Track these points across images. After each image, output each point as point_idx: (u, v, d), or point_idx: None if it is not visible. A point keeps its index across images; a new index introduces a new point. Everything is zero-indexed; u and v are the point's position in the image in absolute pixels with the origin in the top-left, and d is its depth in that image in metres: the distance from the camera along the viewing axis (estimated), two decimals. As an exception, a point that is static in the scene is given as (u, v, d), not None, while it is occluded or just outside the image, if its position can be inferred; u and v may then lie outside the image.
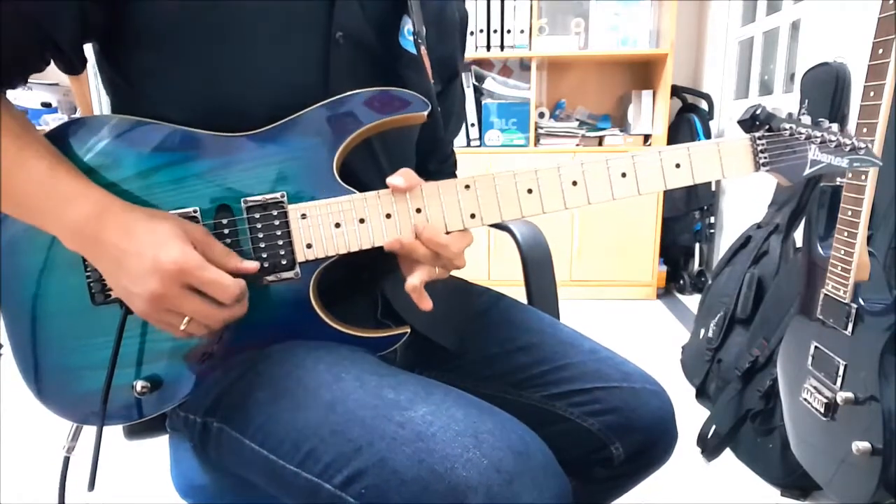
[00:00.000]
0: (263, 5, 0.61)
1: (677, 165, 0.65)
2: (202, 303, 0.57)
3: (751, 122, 0.67)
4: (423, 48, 0.70)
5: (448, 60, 0.81)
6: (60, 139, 0.61)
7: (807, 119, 0.67)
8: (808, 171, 0.67)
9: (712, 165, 0.66)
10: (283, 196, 0.62)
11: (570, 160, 0.64)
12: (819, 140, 0.67)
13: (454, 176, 0.94)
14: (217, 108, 0.62)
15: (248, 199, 0.62)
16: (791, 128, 0.66)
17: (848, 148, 0.67)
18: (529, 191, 0.64)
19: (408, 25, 0.70)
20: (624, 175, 0.65)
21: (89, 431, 0.65)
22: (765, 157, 0.66)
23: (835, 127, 0.68)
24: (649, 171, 0.65)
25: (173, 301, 0.56)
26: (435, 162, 0.88)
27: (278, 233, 0.62)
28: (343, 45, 0.65)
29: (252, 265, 0.60)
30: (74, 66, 0.64)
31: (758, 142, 0.66)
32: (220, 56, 0.62)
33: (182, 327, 0.57)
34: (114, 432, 0.77)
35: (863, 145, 0.67)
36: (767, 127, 0.66)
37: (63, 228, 0.57)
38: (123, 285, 0.57)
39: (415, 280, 0.63)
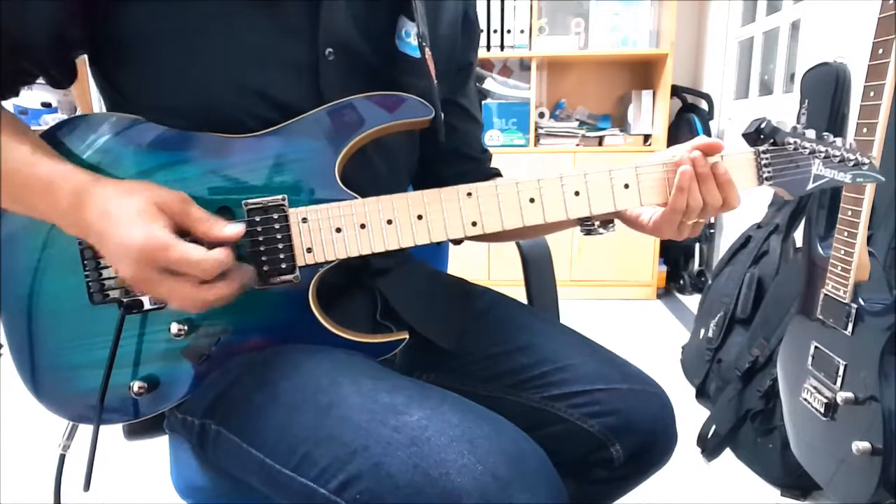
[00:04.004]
0: (247, 24, 0.61)
1: None
2: (178, 283, 0.54)
3: (755, 136, 0.67)
4: (427, 50, 0.69)
5: (452, 59, 0.79)
6: (60, 136, 0.61)
7: (811, 133, 0.67)
8: (811, 185, 0.67)
9: None
10: (284, 199, 0.62)
11: (573, 169, 0.64)
12: (823, 155, 0.66)
13: (489, 175, 0.87)
14: (207, 122, 0.62)
15: (249, 201, 0.61)
16: (795, 142, 0.66)
17: (851, 163, 0.67)
18: (532, 200, 0.64)
19: (406, 27, 0.69)
20: (627, 186, 0.65)
21: (86, 430, 0.65)
22: (768, 171, 0.66)
23: (839, 141, 0.67)
24: (652, 183, 0.65)
25: (148, 284, 0.54)
26: (469, 161, 0.85)
27: (278, 236, 0.62)
28: (333, 61, 0.65)
29: (236, 229, 0.57)
30: (59, 81, 0.64)
31: (762, 155, 0.66)
32: (204, 71, 0.62)
33: (172, 307, 0.56)
34: (114, 433, 0.77)
35: (867, 160, 0.67)
36: (772, 140, 0.66)
37: (53, 216, 0.57)
38: (110, 261, 0.56)
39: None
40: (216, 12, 0.60)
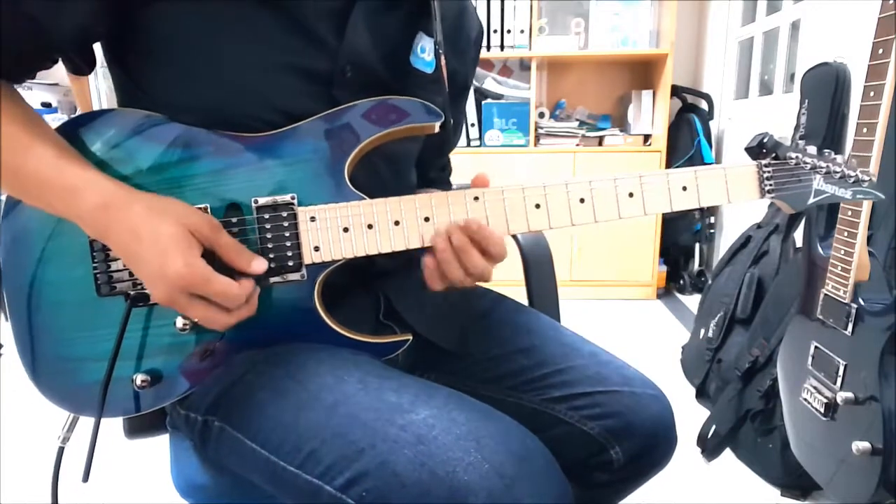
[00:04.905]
0: (272, 31, 0.62)
1: (684, 188, 0.66)
2: (208, 308, 0.57)
3: (758, 150, 0.68)
4: (442, 59, 0.70)
5: (458, 75, 0.81)
6: (76, 131, 0.62)
7: (812, 149, 0.69)
8: (811, 200, 0.68)
9: (718, 190, 0.67)
10: (293, 198, 0.62)
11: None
12: (824, 170, 0.68)
13: (449, 183, 0.95)
14: (216, 122, 0.63)
15: (259, 199, 0.62)
16: (797, 157, 0.67)
17: (852, 179, 0.68)
18: (537, 206, 0.65)
19: (422, 43, 0.70)
20: (631, 195, 0.66)
21: (86, 423, 0.65)
22: (770, 185, 0.67)
23: (839, 158, 0.69)
24: (656, 193, 0.66)
25: (180, 307, 0.57)
26: (435, 170, 0.89)
27: (287, 234, 0.62)
28: (350, 77, 0.66)
29: (262, 265, 0.60)
30: (80, 68, 0.65)
31: (764, 169, 0.67)
32: (224, 73, 0.63)
33: (195, 320, 0.59)
34: (114, 432, 0.78)
35: (866, 178, 0.69)
36: (774, 155, 0.68)
37: (74, 218, 0.58)
38: (142, 279, 0.59)
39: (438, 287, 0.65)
40: (242, 15, 0.61)
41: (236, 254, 0.59)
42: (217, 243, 0.58)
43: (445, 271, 0.63)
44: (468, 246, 0.62)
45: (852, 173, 0.68)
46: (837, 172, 0.68)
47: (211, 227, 0.58)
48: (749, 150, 0.69)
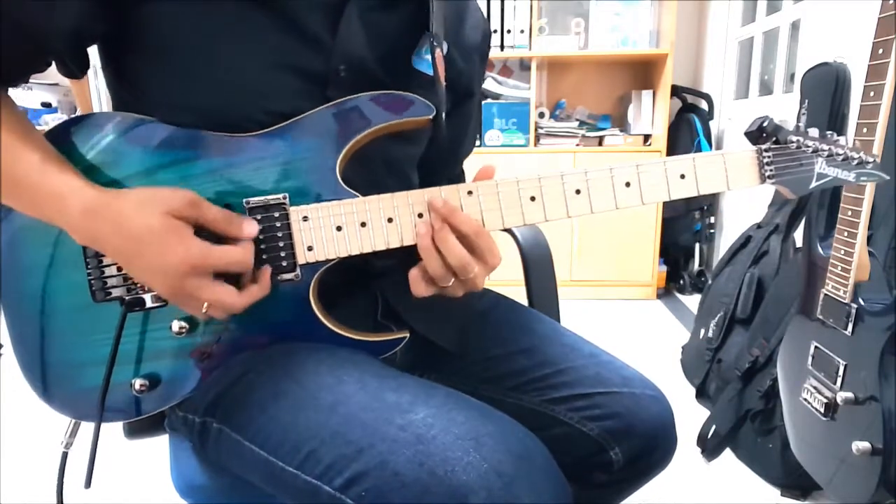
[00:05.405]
0: (267, 30, 0.62)
1: (682, 176, 0.65)
2: (220, 288, 0.57)
3: (757, 134, 0.66)
4: (438, 54, 0.69)
5: (462, 76, 0.80)
6: (66, 135, 0.61)
7: (814, 132, 0.67)
8: (814, 184, 0.66)
9: (717, 177, 0.65)
10: (285, 197, 0.62)
11: (573, 168, 0.64)
12: (826, 153, 0.66)
13: None
14: (213, 123, 0.62)
15: (251, 199, 0.62)
16: (798, 140, 0.65)
17: (855, 162, 0.66)
18: (532, 198, 0.64)
19: (426, 44, 0.69)
20: (628, 185, 0.65)
21: (88, 428, 0.65)
22: (770, 170, 0.66)
23: (842, 140, 0.67)
24: (653, 182, 0.65)
25: (192, 292, 0.56)
26: (444, 181, 0.88)
27: (280, 234, 0.62)
28: (345, 77, 0.65)
29: (251, 228, 0.59)
30: (73, 72, 0.65)
31: (764, 154, 0.66)
32: (219, 72, 0.62)
33: (203, 310, 0.58)
34: (114, 432, 0.77)
35: (870, 159, 0.66)
36: (774, 139, 0.66)
37: (64, 225, 0.57)
38: (141, 279, 0.59)
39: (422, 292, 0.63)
40: (238, 15, 0.61)
41: (225, 223, 0.58)
42: (203, 218, 0.57)
43: (426, 263, 0.62)
44: (444, 227, 0.61)
45: (856, 155, 0.66)
46: (840, 154, 0.66)
47: (192, 203, 0.57)
48: (748, 134, 0.67)
